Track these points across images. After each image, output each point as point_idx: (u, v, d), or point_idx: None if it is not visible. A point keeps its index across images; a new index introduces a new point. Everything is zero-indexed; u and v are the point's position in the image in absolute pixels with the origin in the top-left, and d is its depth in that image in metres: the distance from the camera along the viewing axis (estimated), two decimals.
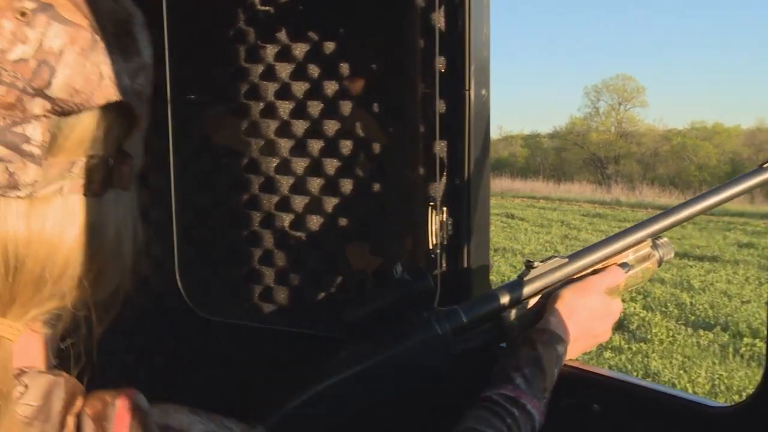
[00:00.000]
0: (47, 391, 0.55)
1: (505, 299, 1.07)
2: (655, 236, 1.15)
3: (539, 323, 1.04)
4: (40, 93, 0.49)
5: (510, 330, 1.06)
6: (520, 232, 14.63)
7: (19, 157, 0.49)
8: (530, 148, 47.71)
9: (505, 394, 0.95)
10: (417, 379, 1.03)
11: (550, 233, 14.58)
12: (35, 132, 0.49)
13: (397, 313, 1.04)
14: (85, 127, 0.53)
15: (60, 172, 0.52)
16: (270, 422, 0.98)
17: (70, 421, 0.54)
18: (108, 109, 0.53)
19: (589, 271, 1.11)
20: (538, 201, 23.99)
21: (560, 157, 44.03)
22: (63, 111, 0.51)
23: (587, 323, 1.07)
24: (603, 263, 1.11)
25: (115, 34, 0.53)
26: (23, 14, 0.48)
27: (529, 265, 1.08)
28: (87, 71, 0.50)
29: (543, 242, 13.19)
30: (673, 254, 1.18)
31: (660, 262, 1.16)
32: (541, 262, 1.09)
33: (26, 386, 0.55)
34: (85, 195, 0.55)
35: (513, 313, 1.07)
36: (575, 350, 1.07)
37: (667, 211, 1.14)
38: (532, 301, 1.08)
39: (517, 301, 1.07)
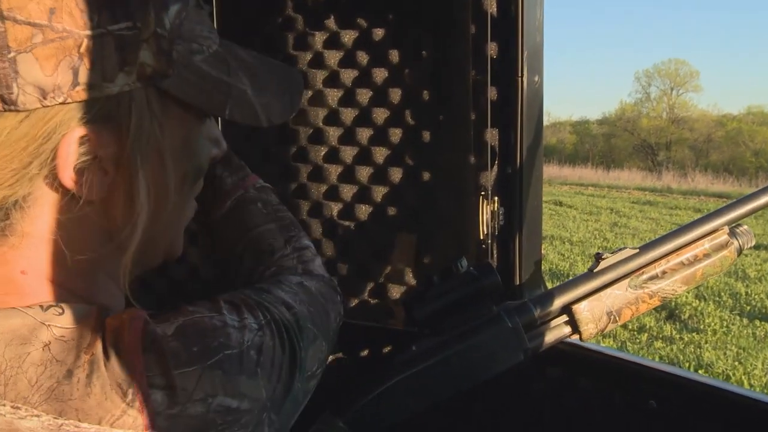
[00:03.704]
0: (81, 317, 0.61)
1: (576, 292, 1.05)
2: (733, 224, 1.10)
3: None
4: None
5: (583, 323, 1.04)
6: (569, 220, 14.43)
7: None
8: (579, 135, 47.03)
9: None
10: (489, 372, 1.01)
11: (599, 221, 14.35)
12: None
13: (466, 308, 1.03)
14: None
15: None
16: (347, 417, 0.98)
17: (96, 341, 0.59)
18: None
19: (662, 261, 1.07)
20: (587, 188, 23.64)
21: (609, 144, 43.32)
22: None
23: None
24: (676, 253, 1.07)
25: None
26: None
27: (598, 257, 1.06)
28: None
29: (592, 230, 12.98)
30: (754, 242, 1.13)
31: (740, 251, 1.11)
32: (611, 253, 1.07)
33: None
34: None
35: (584, 305, 1.05)
36: None
37: (745, 198, 1.09)
38: (604, 293, 1.06)
39: (589, 294, 1.05)
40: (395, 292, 1.29)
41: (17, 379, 0.56)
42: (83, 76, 0.57)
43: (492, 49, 1.18)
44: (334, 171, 1.34)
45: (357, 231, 1.32)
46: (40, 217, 0.63)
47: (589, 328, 1.06)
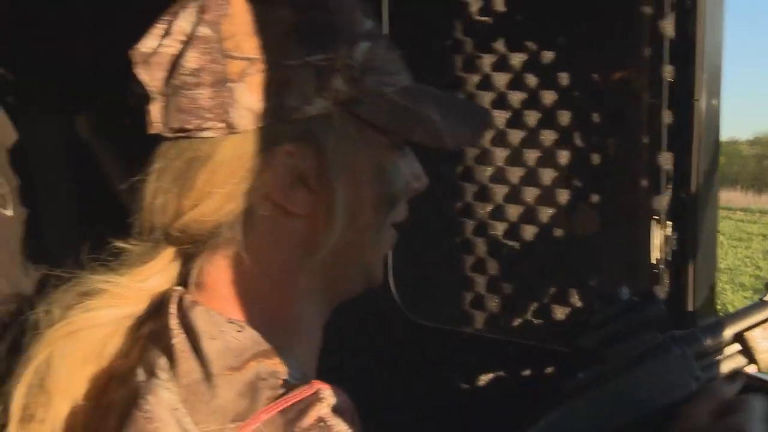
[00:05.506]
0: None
1: (748, 320, 1.02)
2: None
3: None
4: None
5: (759, 352, 1.01)
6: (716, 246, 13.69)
7: None
8: (727, 156, 44.63)
9: None
10: (659, 402, 1.00)
11: (750, 248, 13.53)
12: None
13: (630, 337, 1.02)
14: None
15: None
16: None
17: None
18: None
19: None
20: (735, 212, 22.34)
21: (762, 166, 40.83)
22: None
23: None
24: None
25: None
26: None
27: None
28: None
29: (742, 257, 12.27)
30: None
31: None
32: None
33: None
34: None
35: (758, 333, 1.01)
36: None
37: None
38: None
39: (762, 321, 1.02)
40: (559, 313, 1.29)
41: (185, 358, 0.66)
42: (287, 99, 0.66)
43: (668, 71, 1.16)
44: (500, 191, 1.36)
45: (522, 251, 1.33)
46: (254, 231, 0.70)
47: (765, 357, 1.03)
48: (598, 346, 1.04)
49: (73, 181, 1.47)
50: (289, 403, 0.61)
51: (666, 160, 1.18)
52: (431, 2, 1.41)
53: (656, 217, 1.17)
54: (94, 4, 1.49)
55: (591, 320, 1.06)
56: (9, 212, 1.19)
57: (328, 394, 0.63)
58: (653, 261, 1.16)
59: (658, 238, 1.17)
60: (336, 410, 0.63)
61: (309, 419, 0.60)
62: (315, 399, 0.62)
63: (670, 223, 1.16)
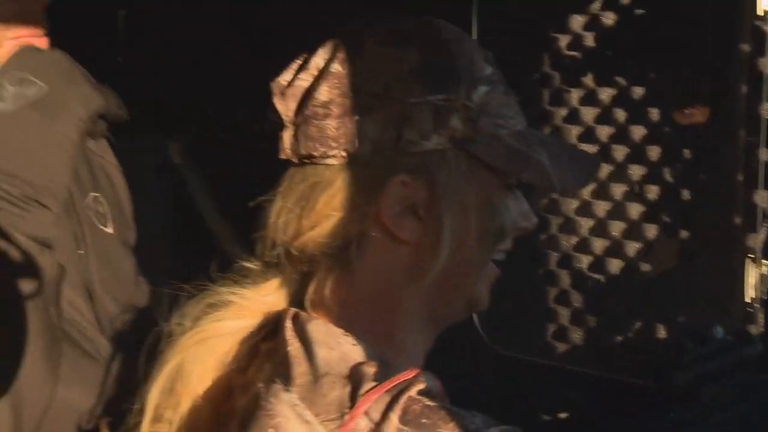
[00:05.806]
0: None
1: None
2: None
3: None
4: None
5: None
6: None
7: None
8: None
9: None
10: None
11: None
12: None
13: (725, 377, 1.01)
14: None
15: None
16: None
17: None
18: None
19: None
20: None
21: None
22: None
23: None
24: None
25: None
26: None
27: None
28: None
29: None
30: None
31: None
32: None
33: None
34: None
35: None
36: None
37: None
38: None
39: None
40: (646, 348, 1.28)
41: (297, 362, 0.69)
42: (406, 133, 0.70)
43: (766, 109, 1.16)
44: (585, 224, 1.36)
45: (607, 285, 1.33)
46: (366, 255, 0.74)
47: None
48: (692, 385, 1.03)
49: (167, 203, 1.52)
50: (393, 383, 0.65)
51: (762, 198, 1.17)
52: (520, 36, 1.43)
53: (751, 255, 1.16)
54: (192, 38, 1.55)
55: (683, 358, 1.05)
56: (109, 230, 1.23)
57: (424, 378, 0.67)
58: (747, 300, 1.15)
59: (753, 276, 1.15)
60: (427, 392, 0.66)
61: (405, 397, 0.64)
62: (415, 380, 0.66)
63: (766, 261, 1.15)
